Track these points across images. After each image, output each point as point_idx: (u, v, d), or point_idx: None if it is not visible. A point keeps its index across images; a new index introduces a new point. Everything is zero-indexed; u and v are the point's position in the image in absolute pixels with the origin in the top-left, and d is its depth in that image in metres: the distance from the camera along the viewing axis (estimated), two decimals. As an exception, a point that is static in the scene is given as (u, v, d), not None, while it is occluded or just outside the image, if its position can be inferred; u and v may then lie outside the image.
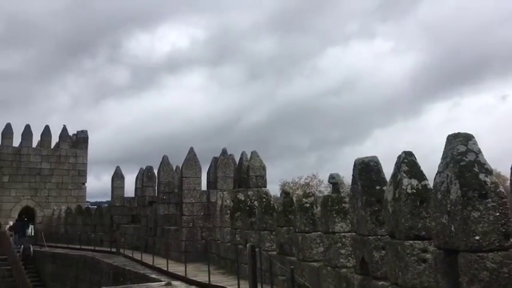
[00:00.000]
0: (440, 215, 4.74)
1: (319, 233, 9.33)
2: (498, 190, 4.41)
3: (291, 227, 10.83)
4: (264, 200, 13.00)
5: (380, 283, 6.39)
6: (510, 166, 4.66)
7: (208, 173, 21.17)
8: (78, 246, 25.64)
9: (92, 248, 24.65)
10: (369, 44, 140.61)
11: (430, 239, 5.37)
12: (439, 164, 4.86)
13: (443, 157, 4.81)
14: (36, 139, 34.33)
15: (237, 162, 21.03)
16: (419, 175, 5.76)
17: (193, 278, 13.26)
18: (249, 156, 20.59)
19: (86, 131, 36.10)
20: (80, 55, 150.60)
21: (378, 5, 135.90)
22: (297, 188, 38.49)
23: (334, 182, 8.68)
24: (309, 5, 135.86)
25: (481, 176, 4.44)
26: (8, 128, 33.18)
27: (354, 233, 7.42)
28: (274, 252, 11.67)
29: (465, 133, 4.75)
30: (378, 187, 6.78)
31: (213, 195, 18.64)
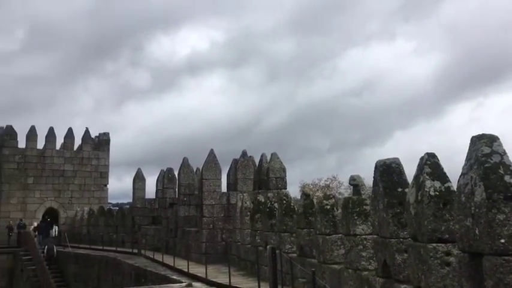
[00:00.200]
0: (464, 218, 4.66)
1: (340, 235, 9.28)
2: (524, 192, 4.31)
3: (312, 229, 10.79)
4: (284, 201, 12.98)
5: (403, 286, 6.32)
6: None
7: (228, 175, 21.25)
8: (101, 247, 25.99)
9: (114, 248, 24.94)
10: (390, 44, 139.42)
11: (454, 242, 5.29)
12: (463, 166, 4.78)
13: (467, 159, 4.73)
14: (59, 141, 35.01)
15: (257, 164, 21.04)
16: (442, 177, 5.68)
17: (214, 280, 13.32)
18: (268, 158, 20.59)
19: (108, 133, 36.64)
20: (102, 58, 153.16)
21: (399, 5, 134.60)
22: (317, 190, 38.30)
23: (355, 183, 8.62)
24: (329, 5, 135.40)
25: (506, 178, 4.35)
26: (33, 131, 33.86)
27: (375, 236, 7.35)
28: (295, 255, 11.63)
29: (490, 134, 4.66)
30: (399, 189, 6.72)
31: (233, 197, 18.69)
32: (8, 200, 32.16)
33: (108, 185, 35.77)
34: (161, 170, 26.30)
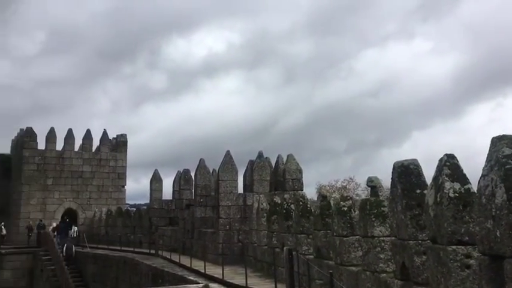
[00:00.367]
0: (485, 220, 4.60)
1: (357, 237, 9.22)
2: (547, 194, 4.23)
3: (328, 231, 10.75)
4: (301, 203, 12.95)
5: (421, 289, 6.26)
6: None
7: (244, 176, 21.29)
8: (119, 248, 26.25)
9: (132, 249, 25.16)
10: (408, 44, 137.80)
11: (474, 244, 5.22)
12: (483, 167, 4.71)
13: (488, 160, 4.67)
14: (78, 143, 35.50)
15: (273, 166, 21.04)
16: (462, 178, 5.61)
17: (231, 281, 13.35)
18: (285, 159, 20.57)
19: (125, 135, 37.01)
20: (120, 61, 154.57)
21: (417, 4, 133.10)
22: (334, 191, 38.12)
23: (373, 185, 8.56)
24: (346, 6, 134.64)
25: (528, 180, 4.28)
26: (52, 132, 34.39)
27: (393, 238, 7.29)
28: (311, 256, 11.59)
29: (511, 135, 4.60)
30: (418, 191, 6.66)
31: (249, 198, 18.72)
32: (28, 200, 32.70)
33: (125, 186, 36.16)
34: (178, 171, 26.50)
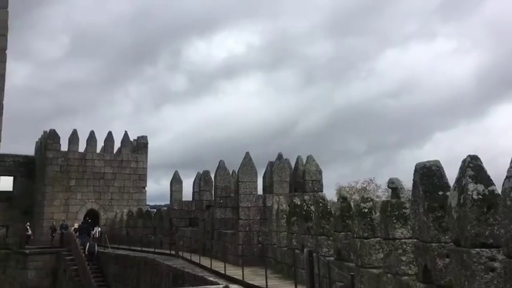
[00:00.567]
0: (510, 222, 4.52)
1: (378, 239, 9.15)
2: None
3: (349, 232, 10.68)
4: (321, 204, 12.90)
5: (444, 292, 6.17)
6: None
7: (264, 178, 21.29)
8: (139, 248, 26.50)
9: (152, 250, 25.38)
10: (429, 44, 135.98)
11: (499, 247, 5.14)
12: (508, 169, 4.64)
13: (513, 161, 4.58)
14: (100, 145, 36.02)
15: (293, 167, 21.00)
16: (486, 180, 5.52)
17: (251, 282, 13.36)
18: (304, 160, 20.51)
19: (146, 137, 37.40)
20: (141, 63, 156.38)
21: (439, 4, 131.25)
22: (354, 193, 37.83)
23: (394, 186, 8.48)
24: (365, 7, 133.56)
25: (555, 181, 4.19)
26: (74, 134, 34.98)
27: (415, 240, 7.21)
28: (332, 258, 11.54)
29: (536, 136, 4.51)
30: (440, 192, 6.57)
31: (269, 200, 18.71)
32: (52, 201, 33.29)
33: (146, 187, 36.53)
34: (198, 173, 26.65)
